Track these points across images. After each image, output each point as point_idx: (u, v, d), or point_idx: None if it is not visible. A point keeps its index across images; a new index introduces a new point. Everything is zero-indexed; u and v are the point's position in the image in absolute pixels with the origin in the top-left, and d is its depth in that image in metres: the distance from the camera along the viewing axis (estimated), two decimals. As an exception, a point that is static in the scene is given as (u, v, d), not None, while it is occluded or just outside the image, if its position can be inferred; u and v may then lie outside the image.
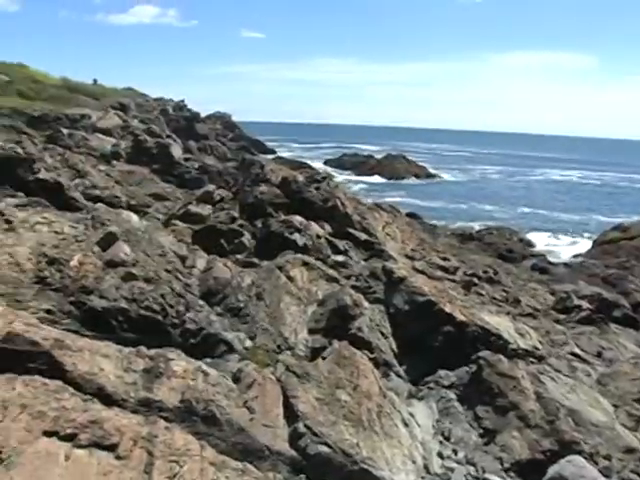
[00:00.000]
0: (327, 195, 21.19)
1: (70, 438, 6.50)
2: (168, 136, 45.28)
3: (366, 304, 14.46)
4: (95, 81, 63.91)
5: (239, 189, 23.37)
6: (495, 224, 40.24)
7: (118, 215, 15.51)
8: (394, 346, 13.93)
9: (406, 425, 10.96)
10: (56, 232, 12.59)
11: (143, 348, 9.32)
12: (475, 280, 19.58)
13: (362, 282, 16.23)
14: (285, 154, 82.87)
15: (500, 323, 14.68)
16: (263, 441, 8.75)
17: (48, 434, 6.40)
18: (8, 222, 12.38)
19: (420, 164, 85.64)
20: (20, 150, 19.93)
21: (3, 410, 6.30)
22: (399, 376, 13.13)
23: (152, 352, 9.27)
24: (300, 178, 22.40)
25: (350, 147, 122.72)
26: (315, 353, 12.38)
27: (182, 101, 70.33)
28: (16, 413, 6.36)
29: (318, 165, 65.76)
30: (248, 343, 12.43)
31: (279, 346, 12.63)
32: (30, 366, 7.63)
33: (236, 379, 9.93)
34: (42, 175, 19.37)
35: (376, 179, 74.31)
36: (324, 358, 11.46)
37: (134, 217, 16.57)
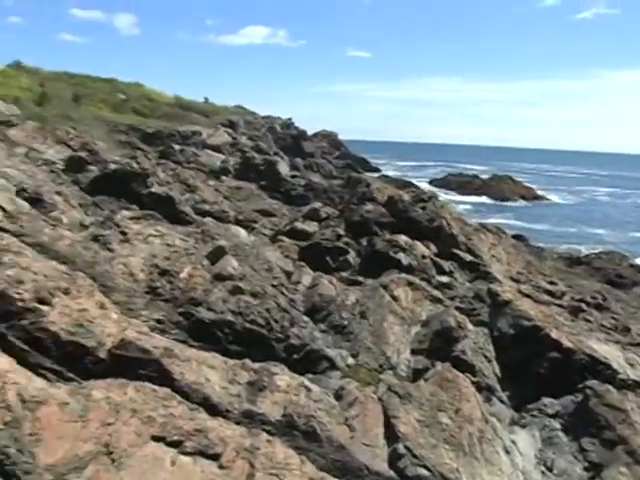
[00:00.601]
0: (433, 215, 21.10)
1: (176, 444, 6.69)
2: (275, 153, 46.19)
3: (470, 326, 14.24)
4: (206, 99, 66.19)
5: (345, 207, 23.52)
6: (604, 248, 38.71)
7: (227, 230, 15.91)
8: (497, 370, 13.64)
9: (507, 453, 10.70)
10: (168, 244, 13.03)
11: (248, 361, 9.48)
12: (583, 306, 18.99)
13: (466, 304, 16.03)
14: (389, 173, 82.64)
15: (609, 352, 14.13)
16: (362, 460, 8.70)
17: (156, 439, 6.59)
18: (123, 234, 12.90)
19: (527, 185, 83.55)
20: (135, 165, 20.78)
21: (115, 414, 6.54)
22: (502, 402, 12.84)
23: (256, 365, 9.41)
24: (406, 197, 22.38)
25: (455, 167, 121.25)
26: (417, 374, 12.29)
27: (289, 119, 71.64)
28: (127, 417, 6.59)
29: (423, 184, 65.29)
30: (350, 361, 12.46)
31: (381, 365, 12.59)
32: (141, 373, 7.93)
33: (338, 396, 9.95)
34: (155, 189, 20.09)
35: (481, 200, 73.09)
36: (426, 379, 11.35)
37: (242, 232, 16.93)
